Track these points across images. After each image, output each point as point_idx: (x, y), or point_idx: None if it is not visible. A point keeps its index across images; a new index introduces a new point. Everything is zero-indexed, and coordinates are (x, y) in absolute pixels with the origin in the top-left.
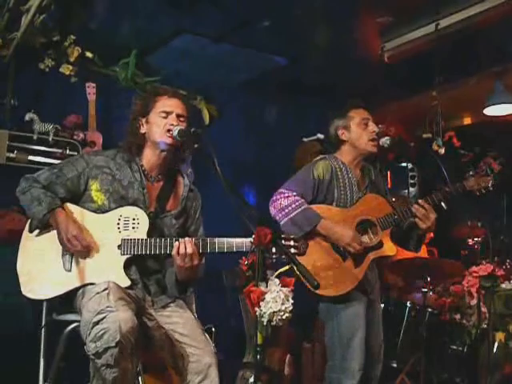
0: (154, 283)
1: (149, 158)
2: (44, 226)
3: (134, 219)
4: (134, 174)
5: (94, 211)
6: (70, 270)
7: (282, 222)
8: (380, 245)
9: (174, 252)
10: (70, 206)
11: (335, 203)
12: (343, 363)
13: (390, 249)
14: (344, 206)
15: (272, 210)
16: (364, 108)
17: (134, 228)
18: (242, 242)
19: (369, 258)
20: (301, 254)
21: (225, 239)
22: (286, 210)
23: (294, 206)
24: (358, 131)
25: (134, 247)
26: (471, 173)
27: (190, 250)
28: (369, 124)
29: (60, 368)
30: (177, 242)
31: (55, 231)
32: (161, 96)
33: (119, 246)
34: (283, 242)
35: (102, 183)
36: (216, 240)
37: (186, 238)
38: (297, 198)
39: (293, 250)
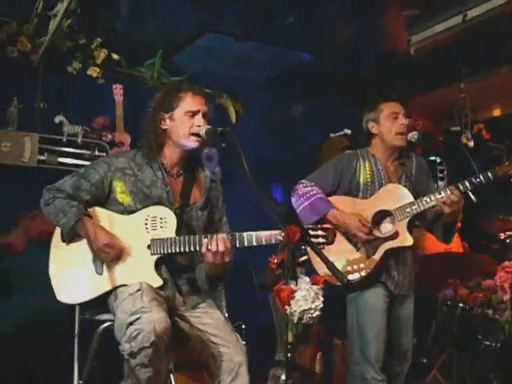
0: (185, 283)
1: (170, 155)
2: (74, 236)
3: (161, 218)
4: (156, 173)
5: (121, 213)
6: (101, 274)
7: (297, 211)
8: (395, 236)
9: (203, 249)
10: (98, 210)
11: (361, 194)
12: (362, 354)
13: (405, 239)
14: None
15: (292, 199)
16: (395, 101)
17: (162, 227)
18: (271, 235)
19: (382, 248)
20: (329, 243)
21: (253, 233)
22: (302, 199)
23: (307, 195)
24: (387, 124)
25: (164, 246)
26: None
27: (221, 248)
28: (398, 117)
29: (93, 367)
30: (205, 240)
31: (84, 239)
32: (185, 93)
33: (149, 246)
34: (311, 232)
35: (126, 184)
36: (245, 234)
37: (219, 235)
38: (313, 188)
39: (321, 240)
